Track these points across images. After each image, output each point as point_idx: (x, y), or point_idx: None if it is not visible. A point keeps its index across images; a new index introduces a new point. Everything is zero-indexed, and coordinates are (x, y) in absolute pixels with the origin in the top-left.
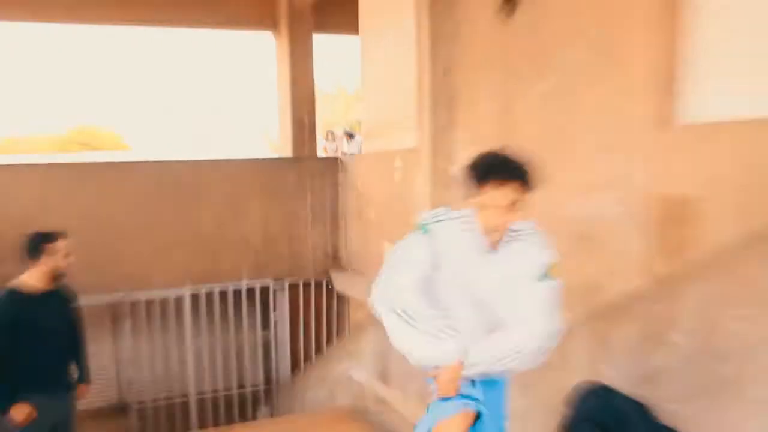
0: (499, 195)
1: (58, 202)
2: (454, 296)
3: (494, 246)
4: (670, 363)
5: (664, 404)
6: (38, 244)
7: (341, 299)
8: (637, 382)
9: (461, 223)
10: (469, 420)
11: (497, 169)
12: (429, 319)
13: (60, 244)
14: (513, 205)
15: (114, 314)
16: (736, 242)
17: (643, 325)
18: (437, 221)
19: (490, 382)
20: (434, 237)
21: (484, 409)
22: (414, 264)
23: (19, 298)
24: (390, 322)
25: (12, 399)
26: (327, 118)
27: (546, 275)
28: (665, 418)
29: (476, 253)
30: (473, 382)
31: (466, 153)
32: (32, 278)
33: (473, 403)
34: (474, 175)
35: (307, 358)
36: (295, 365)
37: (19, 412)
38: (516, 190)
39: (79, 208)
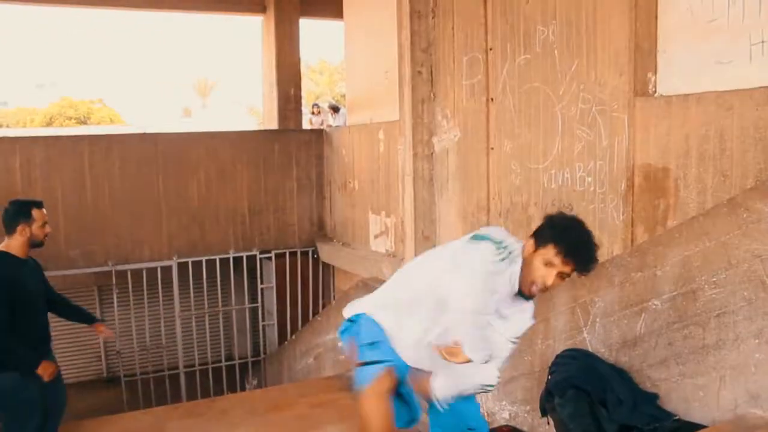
0: (557, 261)
1: (44, 175)
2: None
3: (528, 298)
4: (649, 329)
5: (644, 370)
6: (14, 213)
7: (327, 269)
8: (618, 348)
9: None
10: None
11: (574, 249)
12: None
13: (36, 214)
14: (559, 277)
15: (101, 286)
16: (713, 209)
17: (624, 293)
18: (508, 255)
19: None
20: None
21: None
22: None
23: (10, 261)
24: None
25: (35, 358)
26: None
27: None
28: (645, 383)
29: (507, 297)
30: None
31: (446, 124)
32: (10, 248)
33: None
34: (548, 234)
35: (294, 328)
36: (282, 336)
37: (47, 370)
38: (572, 270)
39: (66, 181)
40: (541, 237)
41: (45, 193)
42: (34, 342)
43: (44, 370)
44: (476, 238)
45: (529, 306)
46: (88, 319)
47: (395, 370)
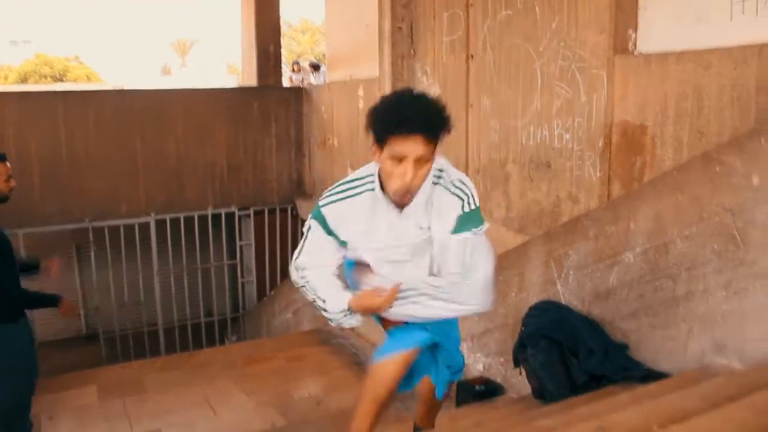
0: (400, 146)
1: (18, 132)
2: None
3: (402, 204)
4: (621, 282)
5: (615, 321)
6: None
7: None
8: (591, 301)
9: (360, 188)
10: (408, 359)
11: (398, 123)
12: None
13: (0, 168)
14: (417, 161)
15: (79, 245)
16: (687, 163)
17: (598, 246)
18: (326, 203)
19: None
20: (328, 218)
21: (433, 339)
22: (315, 251)
23: None
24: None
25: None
26: (294, 50)
27: (465, 225)
28: (616, 334)
29: (381, 217)
30: None
31: (426, 81)
32: None
33: (418, 342)
34: (374, 129)
35: (273, 284)
36: (261, 292)
37: (68, 308)
38: (421, 145)
39: (40, 137)
40: (374, 137)
41: (19, 149)
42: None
43: (67, 310)
44: None
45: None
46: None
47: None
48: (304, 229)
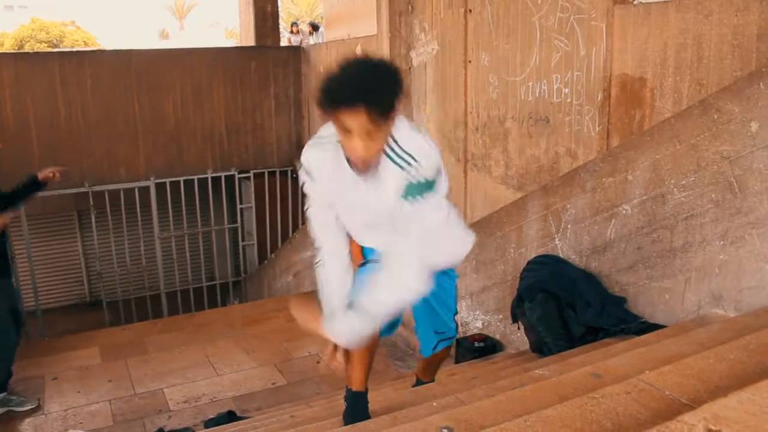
0: (344, 120)
1: (14, 94)
2: (345, 218)
3: (365, 172)
4: (619, 234)
5: (612, 274)
6: None
7: None
8: (588, 254)
9: (331, 147)
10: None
11: (333, 97)
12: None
13: None
14: (365, 132)
15: (80, 211)
16: (685, 111)
17: (595, 198)
18: (307, 149)
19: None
20: (310, 166)
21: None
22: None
23: None
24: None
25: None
26: (293, 13)
27: (420, 190)
28: (613, 287)
29: (348, 180)
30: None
31: (424, 37)
32: None
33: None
34: (320, 106)
35: (274, 247)
36: (262, 255)
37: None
38: (362, 116)
39: (37, 100)
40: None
41: (15, 113)
42: None
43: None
44: None
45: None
46: (31, 185)
47: None
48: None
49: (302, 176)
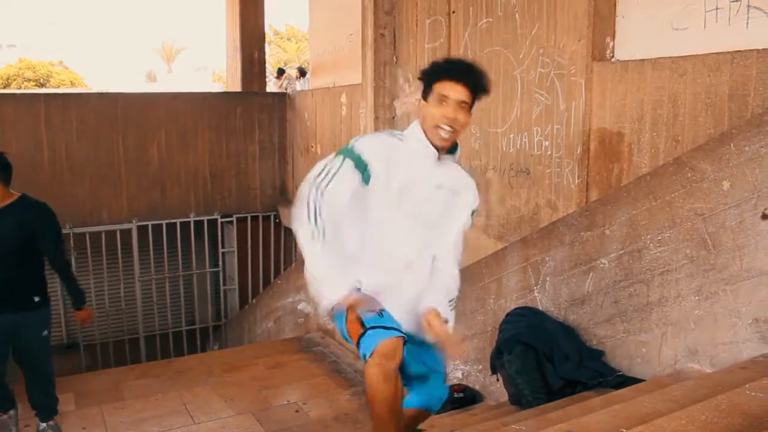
0: (445, 89)
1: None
2: (396, 218)
3: (440, 153)
4: (597, 288)
5: (590, 327)
6: None
7: (288, 233)
8: (567, 307)
9: (403, 137)
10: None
11: (447, 69)
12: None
13: None
14: (459, 105)
15: None
16: (660, 169)
17: (574, 252)
18: (364, 143)
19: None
20: (364, 157)
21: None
22: (339, 188)
23: None
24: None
25: None
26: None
27: (473, 213)
28: (591, 340)
29: (422, 164)
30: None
31: (408, 88)
32: None
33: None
34: (425, 77)
35: (255, 292)
36: (243, 300)
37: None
38: (463, 91)
39: (21, 140)
40: (423, 88)
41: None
42: None
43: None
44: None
45: (459, 176)
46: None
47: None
48: (328, 164)
49: (347, 168)
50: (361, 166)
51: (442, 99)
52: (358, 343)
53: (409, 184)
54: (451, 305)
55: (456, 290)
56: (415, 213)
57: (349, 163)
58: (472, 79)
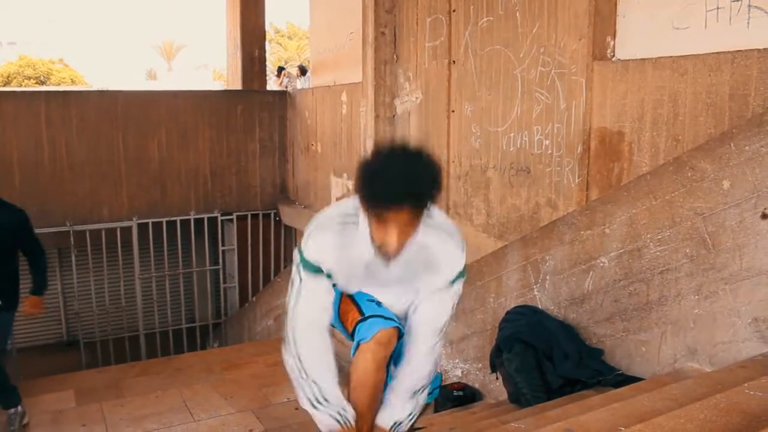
0: (384, 214)
1: (0, 130)
2: (367, 288)
3: (390, 259)
4: (597, 286)
5: (590, 326)
6: None
7: (288, 231)
8: (567, 306)
9: (358, 222)
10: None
11: (382, 194)
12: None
13: None
14: (404, 225)
15: (61, 248)
16: (660, 168)
17: (573, 251)
18: (317, 243)
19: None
20: (314, 262)
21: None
22: (308, 306)
23: None
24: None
25: None
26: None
27: (455, 281)
28: (591, 338)
29: (372, 264)
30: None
31: (408, 86)
32: None
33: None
34: (357, 192)
35: (255, 290)
36: (243, 298)
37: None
38: (403, 213)
39: (22, 138)
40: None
41: (3, 151)
42: None
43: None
44: None
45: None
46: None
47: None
48: (293, 275)
49: (307, 280)
50: (317, 269)
51: (382, 222)
52: (353, 330)
53: (371, 265)
54: (419, 392)
55: (427, 374)
56: (385, 283)
57: (307, 273)
58: (416, 198)
